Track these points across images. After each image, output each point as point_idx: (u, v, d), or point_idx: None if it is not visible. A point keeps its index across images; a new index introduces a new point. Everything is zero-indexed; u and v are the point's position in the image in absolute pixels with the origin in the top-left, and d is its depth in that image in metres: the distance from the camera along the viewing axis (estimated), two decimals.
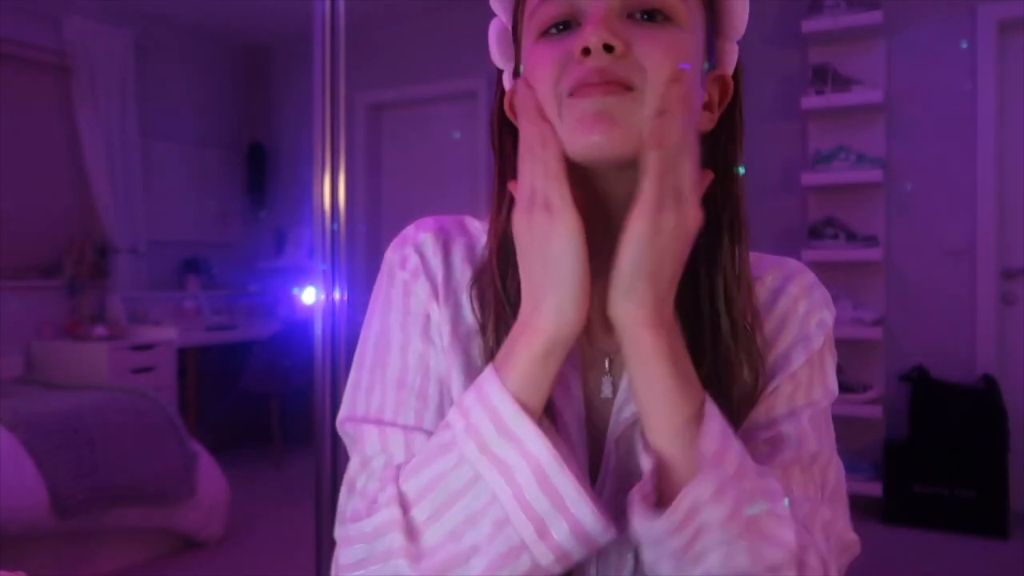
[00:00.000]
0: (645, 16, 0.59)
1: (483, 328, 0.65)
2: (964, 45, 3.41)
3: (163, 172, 4.65)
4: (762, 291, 0.68)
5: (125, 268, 4.33)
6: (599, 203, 0.61)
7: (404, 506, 0.57)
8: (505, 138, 0.68)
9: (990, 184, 3.41)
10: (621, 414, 0.64)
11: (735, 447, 0.57)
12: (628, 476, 0.63)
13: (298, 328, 4.21)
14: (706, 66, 0.64)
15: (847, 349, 3.50)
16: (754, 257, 0.69)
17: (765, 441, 0.64)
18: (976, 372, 3.39)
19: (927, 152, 3.50)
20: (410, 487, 0.58)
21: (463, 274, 0.68)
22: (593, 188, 0.61)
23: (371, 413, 0.67)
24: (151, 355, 3.94)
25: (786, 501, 0.57)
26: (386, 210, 4.97)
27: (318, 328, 1.69)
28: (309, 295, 1.73)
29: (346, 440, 0.69)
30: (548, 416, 0.60)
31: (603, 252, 0.58)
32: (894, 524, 3.24)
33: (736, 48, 0.67)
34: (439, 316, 0.67)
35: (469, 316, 0.67)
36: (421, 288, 0.67)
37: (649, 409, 0.57)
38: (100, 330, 3.95)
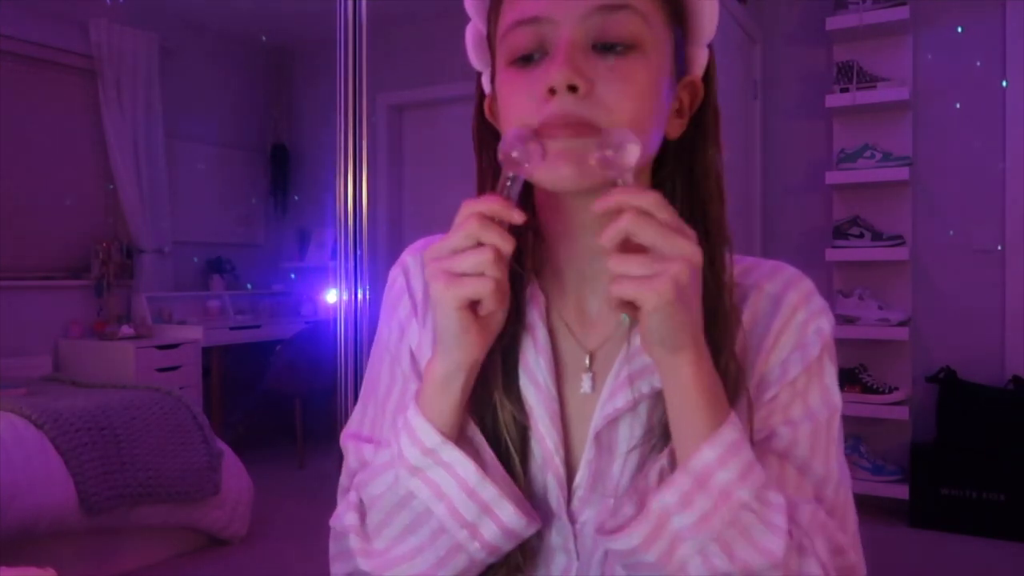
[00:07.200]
0: (608, 47, 0.60)
1: None
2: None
3: (188, 174, 4.69)
4: (761, 299, 0.68)
5: (151, 268, 4.38)
6: (569, 220, 0.66)
7: (361, 513, 0.67)
8: (486, 142, 0.70)
9: (1019, 182, 3.35)
10: (604, 409, 0.65)
11: (741, 457, 0.58)
12: (606, 470, 0.66)
13: (321, 327, 4.24)
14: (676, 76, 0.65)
15: (872, 350, 3.45)
16: (750, 262, 0.70)
17: (760, 447, 0.64)
18: (1005, 374, 3.33)
19: (955, 150, 3.45)
20: (365, 496, 0.67)
21: None
22: (564, 208, 0.66)
23: (363, 431, 0.75)
24: (176, 354, 3.98)
25: (781, 518, 0.57)
26: (408, 210, 4.98)
27: (340, 327, 1.70)
28: (332, 295, 1.74)
29: (344, 452, 0.76)
30: (521, 414, 0.66)
31: (577, 261, 0.67)
32: (920, 527, 3.20)
33: (706, 51, 0.68)
34: (418, 331, 0.72)
35: None
36: (403, 308, 0.74)
37: (680, 426, 0.59)
38: (126, 329, 4.00)
